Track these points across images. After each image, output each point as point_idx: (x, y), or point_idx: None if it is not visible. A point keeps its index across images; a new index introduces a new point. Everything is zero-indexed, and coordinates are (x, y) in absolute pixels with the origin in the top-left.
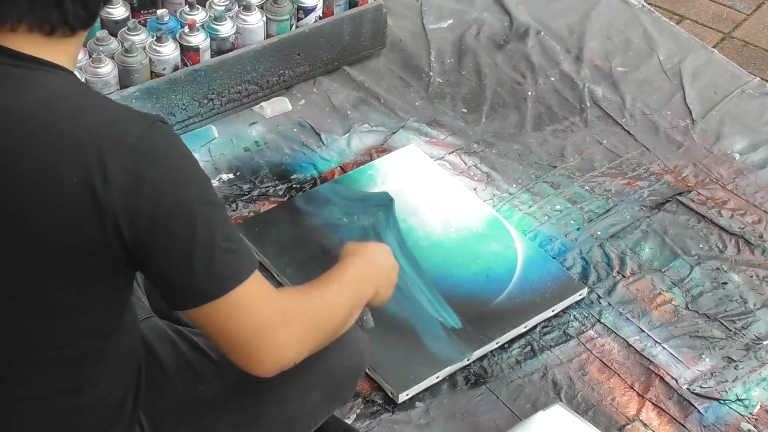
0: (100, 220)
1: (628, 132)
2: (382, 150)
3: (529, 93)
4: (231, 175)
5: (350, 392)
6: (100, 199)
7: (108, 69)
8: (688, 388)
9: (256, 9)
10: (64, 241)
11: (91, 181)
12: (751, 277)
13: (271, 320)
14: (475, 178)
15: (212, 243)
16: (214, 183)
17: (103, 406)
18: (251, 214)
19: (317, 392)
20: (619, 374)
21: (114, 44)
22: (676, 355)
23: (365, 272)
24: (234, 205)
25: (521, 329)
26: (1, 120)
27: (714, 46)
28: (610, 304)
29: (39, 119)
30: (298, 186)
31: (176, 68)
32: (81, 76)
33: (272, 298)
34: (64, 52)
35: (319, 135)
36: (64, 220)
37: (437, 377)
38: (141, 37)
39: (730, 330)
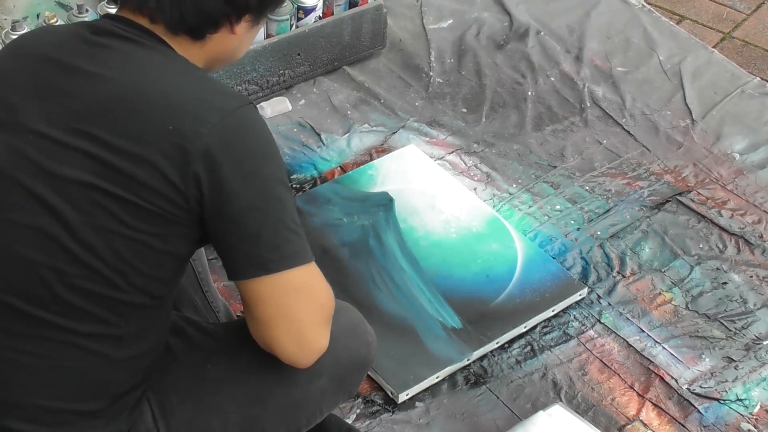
0: (184, 170)
1: (628, 132)
2: (382, 150)
3: (529, 93)
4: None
5: (356, 384)
6: (189, 149)
7: None
8: (688, 388)
9: None
10: (152, 184)
11: (184, 133)
12: (751, 277)
13: (322, 310)
14: (475, 178)
15: (282, 219)
16: None
17: (131, 367)
18: None
19: (324, 379)
20: (619, 374)
21: None
22: (676, 355)
23: None
24: None
25: (521, 329)
26: (119, 67)
27: (714, 46)
28: (610, 304)
29: (149, 76)
30: (298, 186)
31: None
32: None
33: (328, 290)
34: (180, 46)
35: (319, 135)
36: (157, 164)
37: (437, 377)
38: None
39: (730, 330)
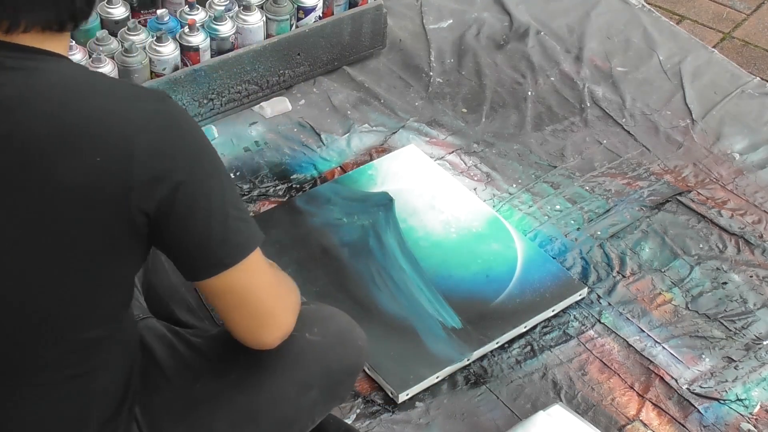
0: (126, 200)
1: (628, 132)
2: (382, 150)
3: (529, 93)
4: (231, 175)
5: (348, 391)
6: (122, 172)
7: (108, 69)
8: (688, 388)
9: (256, 9)
10: (86, 217)
11: (112, 156)
12: (751, 277)
13: (276, 284)
14: (475, 178)
15: (226, 211)
16: None
17: (110, 392)
18: (251, 214)
19: (315, 391)
20: (619, 374)
21: (114, 44)
22: (676, 355)
23: None
24: None
25: (521, 329)
26: (19, 105)
27: (714, 46)
28: (610, 304)
29: (55, 101)
30: (298, 186)
31: (176, 68)
32: None
33: (271, 265)
34: (61, 44)
35: (319, 135)
36: (88, 195)
37: (437, 377)
38: (141, 37)
39: (730, 330)
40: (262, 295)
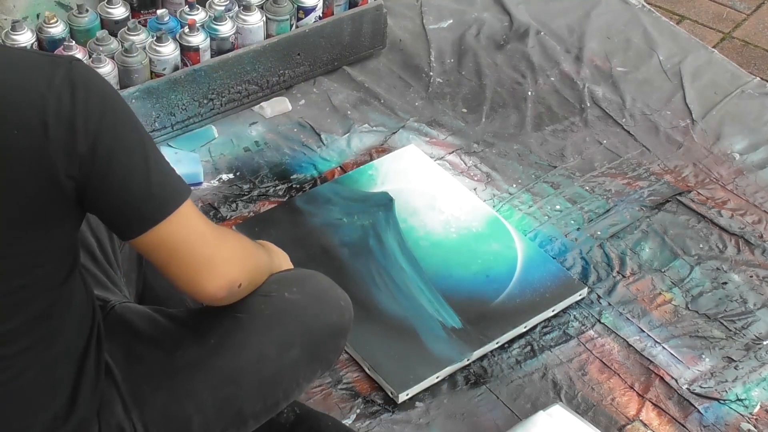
0: (51, 171)
1: (628, 132)
2: (382, 150)
3: (529, 93)
4: (231, 175)
5: (333, 352)
6: (39, 140)
7: (108, 69)
8: (688, 388)
9: (256, 9)
10: (12, 191)
11: (27, 127)
12: (751, 277)
13: (213, 236)
14: (475, 178)
15: (148, 167)
16: (214, 183)
17: (68, 357)
18: (251, 214)
19: (296, 349)
20: (619, 374)
21: (114, 44)
22: (676, 355)
23: None
24: (234, 205)
25: (521, 329)
26: None
27: (714, 46)
28: (610, 304)
29: None
30: (298, 186)
31: (176, 68)
32: None
33: (207, 220)
34: None
35: (319, 135)
36: (10, 171)
37: (437, 377)
38: (141, 37)
39: (730, 330)
40: (196, 246)
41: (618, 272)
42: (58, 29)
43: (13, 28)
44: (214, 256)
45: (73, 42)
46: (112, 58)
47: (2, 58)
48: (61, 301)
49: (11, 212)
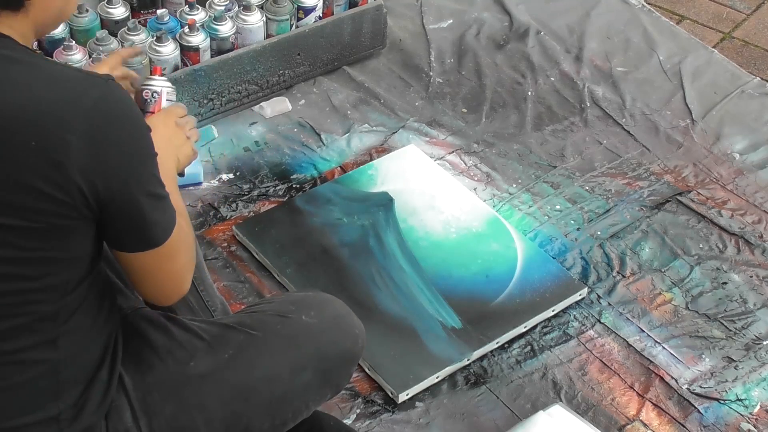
0: (66, 184)
1: (628, 132)
2: (382, 150)
3: (529, 93)
4: (231, 175)
5: (343, 378)
6: (63, 162)
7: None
8: (688, 388)
9: (256, 9)
10: (39, 206)
11: (50, 144)
12: (751, 277)
13: (189, 260)
14: (475, 178)
15: (155, 193)
16: (214, 183)
17: (78, 362)
18: (251, 214)
19: (308, 373)
20: (619, 374)
21: (114, 44)
22: (676, 355)
23: (166, 163)
24: (234, 205)
25: (521, 329)
26: None
27: (714, 46)
28: (610, 304)
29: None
30: (298, 186)
31: (176, 68)
32: None
33: (191, 234)
34: (10, 27)
35: (319, 135)
36: (35, 185)
37: (437, 377)
38: (141, 37)
39: (730, 330)
40: (175, 268)
41: (618, 272)
42: (58, 29)
43: None
44: (185, 278)
45: (73, 42)
46: None
47: (39, 71)
48: (69, 307)
49: (20, 218)
